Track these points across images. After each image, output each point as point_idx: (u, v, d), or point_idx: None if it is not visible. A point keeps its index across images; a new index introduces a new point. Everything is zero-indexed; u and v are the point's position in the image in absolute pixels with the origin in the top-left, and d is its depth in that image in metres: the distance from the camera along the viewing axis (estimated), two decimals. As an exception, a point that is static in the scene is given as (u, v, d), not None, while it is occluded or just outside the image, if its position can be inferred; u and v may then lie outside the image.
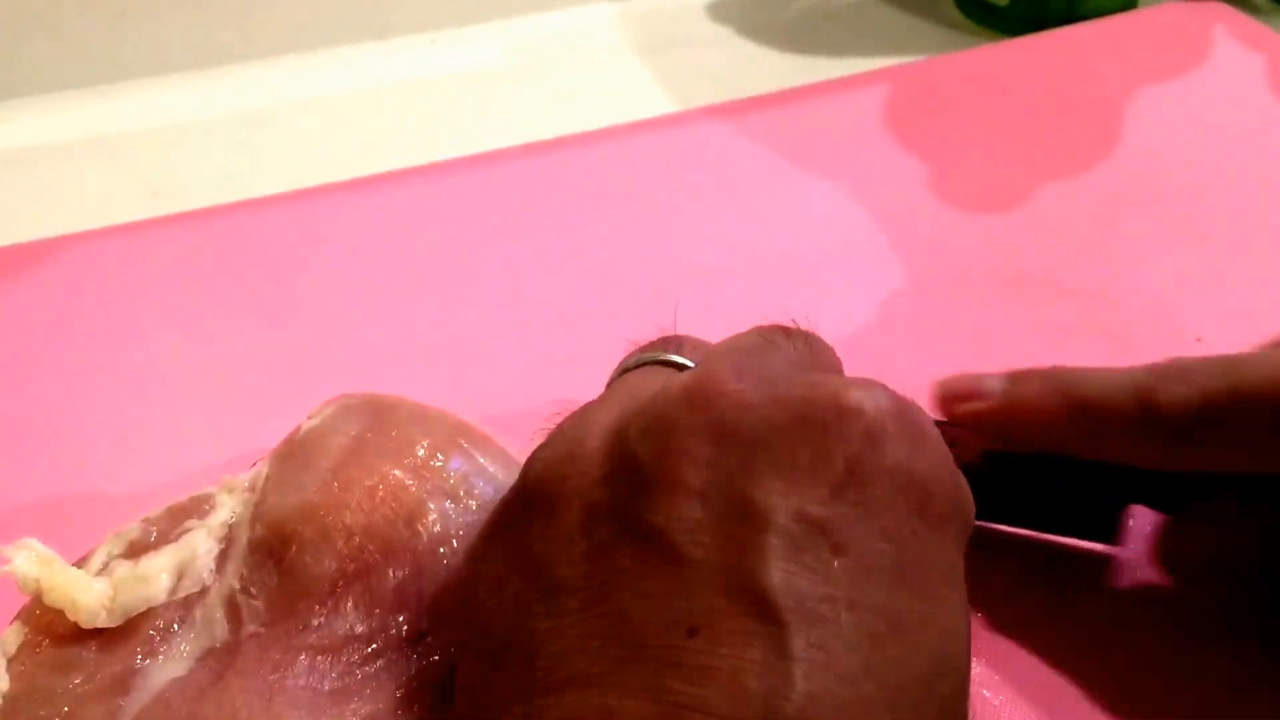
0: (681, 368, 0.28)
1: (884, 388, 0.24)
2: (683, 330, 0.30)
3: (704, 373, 0.24)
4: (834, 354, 0.29)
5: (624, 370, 0.29)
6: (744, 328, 0.42)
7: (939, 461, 0.23)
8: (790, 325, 0.29)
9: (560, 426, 0.26)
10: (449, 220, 0.48)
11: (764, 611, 0.20)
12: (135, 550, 0.28)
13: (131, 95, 0.60)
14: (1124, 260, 0.46)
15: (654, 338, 0.30)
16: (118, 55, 0.61)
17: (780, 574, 0.21)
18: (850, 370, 0.29)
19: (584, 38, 0.65)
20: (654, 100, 0.58)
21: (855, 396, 0.23)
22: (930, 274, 0.45)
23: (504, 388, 0.40)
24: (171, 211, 0.49)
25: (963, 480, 0.24)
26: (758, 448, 0.22)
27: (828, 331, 0.42)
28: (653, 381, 0.26)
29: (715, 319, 0.43)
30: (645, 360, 0.28)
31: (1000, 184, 0.50)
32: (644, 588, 0.21)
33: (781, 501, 0.21)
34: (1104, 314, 0.43)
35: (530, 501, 0.24)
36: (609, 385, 0.28)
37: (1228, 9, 0.61)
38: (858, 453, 0.22)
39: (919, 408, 0.24)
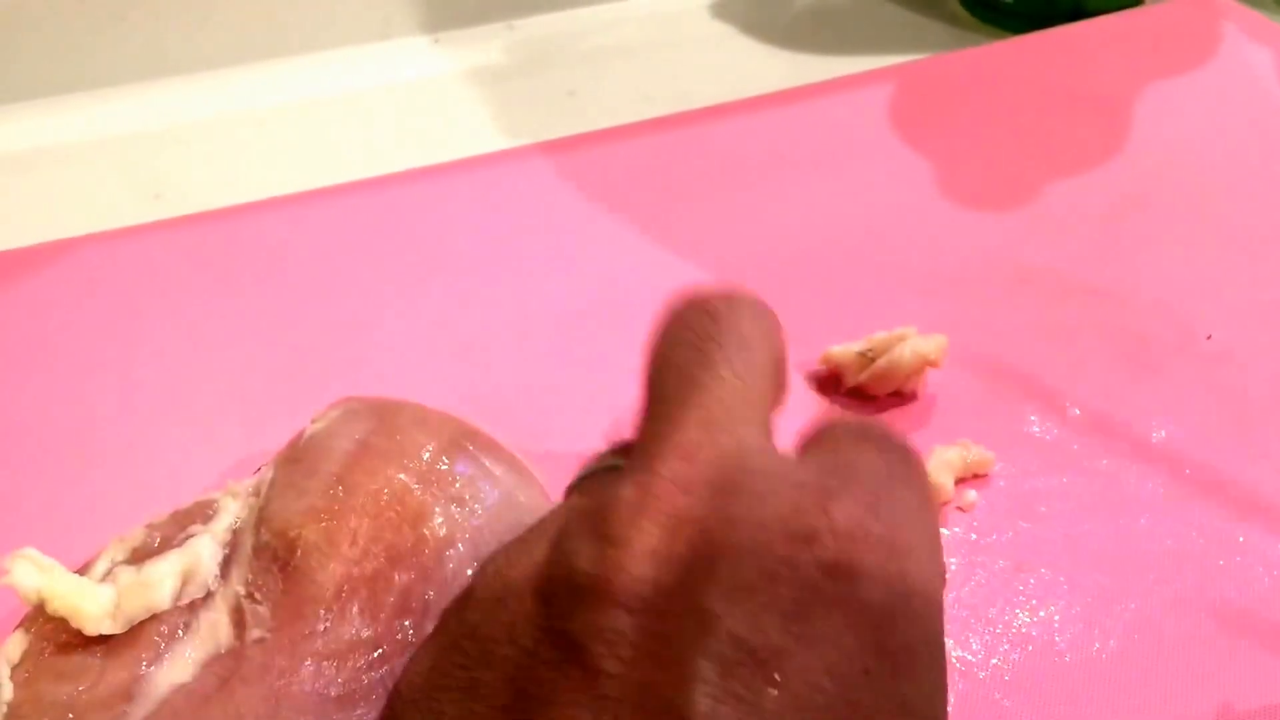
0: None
1: (853, 495, 0.21)
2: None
3: (650, 479, 0.22)
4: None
5: (581, 479, 0.26)
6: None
7: (914, 588, 0.21)
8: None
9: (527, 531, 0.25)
10: (454, 222, 0.48)
11: None
12: (139, 556, 0.28)
13: (134, 98, 0.60)
14: (1133, 258, 0.46)
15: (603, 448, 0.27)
16: (119, 58, 0.61)
17: (704, 700, 0.19)
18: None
19: (586, 37, 0.65)
20: (657, 99, 0.58)
21: (814, 523, 0.20)
22: (937, 273, 0.45)
23: (509, 391, 0.40)
24: (174, 214, 0.49)
25: (939, 606, 0.22)
26: (699, 567, 0.20)
27: (836, 329, 0.42)
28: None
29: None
30: (600, 468, 0.26)
31: (1007, 182, 0.50)
32: (559, 699, 0.20)
33: (717, 623, 0.20)
34: (1113, 312, 0.43)
35: (472, 599, 0.23)
36: (565, 496, 0.27)
37: (1235, 4, 0.61)
38: (813, 582, 0.20)
39: (900, 508, 0.22)
